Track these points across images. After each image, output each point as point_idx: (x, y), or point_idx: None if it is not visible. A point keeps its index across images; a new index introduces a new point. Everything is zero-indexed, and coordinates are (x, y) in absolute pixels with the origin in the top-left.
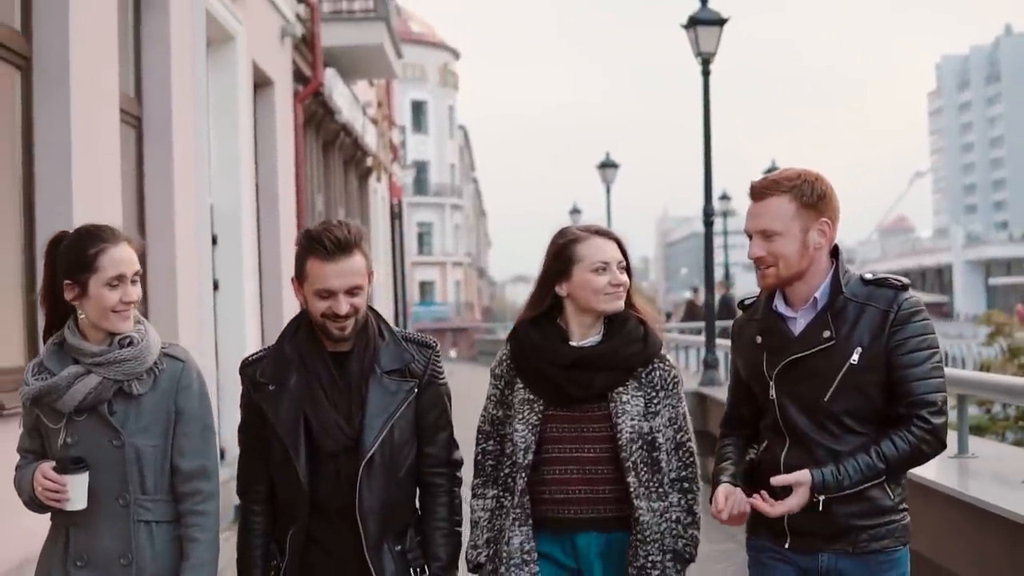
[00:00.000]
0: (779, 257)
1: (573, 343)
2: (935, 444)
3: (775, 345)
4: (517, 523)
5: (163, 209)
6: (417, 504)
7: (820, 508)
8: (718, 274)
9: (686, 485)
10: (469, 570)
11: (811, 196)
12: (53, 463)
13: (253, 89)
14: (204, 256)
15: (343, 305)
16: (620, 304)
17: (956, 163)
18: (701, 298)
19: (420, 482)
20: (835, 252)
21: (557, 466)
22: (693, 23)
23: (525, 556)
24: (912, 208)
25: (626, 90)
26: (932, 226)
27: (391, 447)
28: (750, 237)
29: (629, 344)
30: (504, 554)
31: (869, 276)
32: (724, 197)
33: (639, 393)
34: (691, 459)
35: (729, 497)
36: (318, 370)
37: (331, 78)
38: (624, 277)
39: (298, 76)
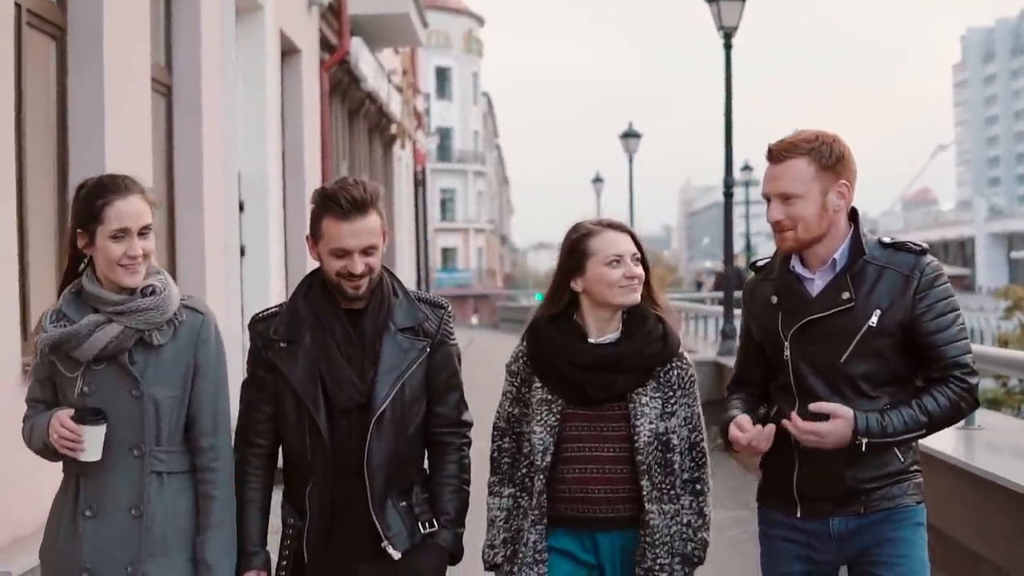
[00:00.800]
0: (798, 220)
1: (591, 340)
2: (972, 402)
3: (791, 306)
4: (534, 523)
5: (192, 176)
6: (426, 464)
7: (864, 450)
8: (739, 244)
9: (698, 487)
10: (486, 569)
11: (830, 158)
12: (72, 411)
13: (280, 58)
14: (231, 222)
15: (358, 264)
16: (636, 297)
17: (980, 136)
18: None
19: (429, 441)
20: (853, 215)
21: (576, 465)
22: None
23: (536, 555)
24: (934, 180)
25: (650, 58)
26: (955, 198)
27: (402, 404)
28: (768, 200)
29: (650, 344)
30: (520, 554)
31: (887, 240)
32: (746, 167)
33: (657, 394)
34: (703, 459)
35: (748, 427)
36: (333, 327)
37: (357, 46)
38: (639, 270)
39: (324, 44)
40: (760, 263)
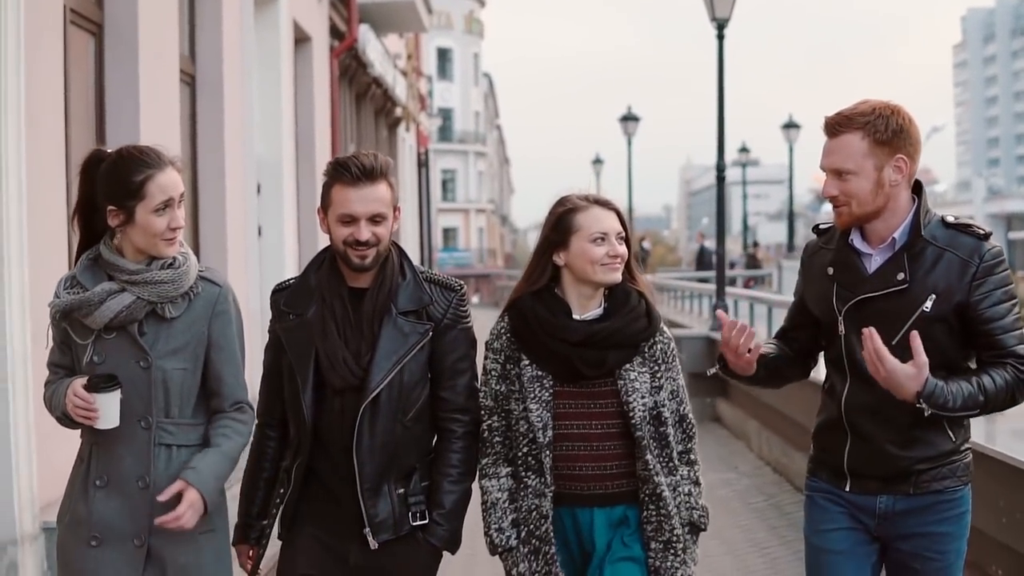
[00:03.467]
0: (852, 196)
1: (575, 316)
2: None
3: (847, 280)
4: (552, 500)
5: (215, 161)
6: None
7: (925, 415)
8: (736, 225)
9: (691, 457)
10: (495, 554)
11: (885, 132)
12: (85, 380)
13: (293, 46)
14: (250, 204)
15: (364, 231)
16: (617, 276)
17: (980, 116)
18: (761, 251)
19: (436, 427)
20: (918, 188)
21: (566, 442)
22: None
23: (549, 534)
24: (934, 160)
25: (652, 36)
26: (955, 179)
27: (399, 389)
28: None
29: (636, 320)
30: (539, 531)
31: (951, 219)
32: (744, 149)
33: (644, 368)
34: (692, 430)
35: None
36: (334, 304)
37: (364, 33)
38: (623, 248)
39: (334, 32)
40: (824, 226)
